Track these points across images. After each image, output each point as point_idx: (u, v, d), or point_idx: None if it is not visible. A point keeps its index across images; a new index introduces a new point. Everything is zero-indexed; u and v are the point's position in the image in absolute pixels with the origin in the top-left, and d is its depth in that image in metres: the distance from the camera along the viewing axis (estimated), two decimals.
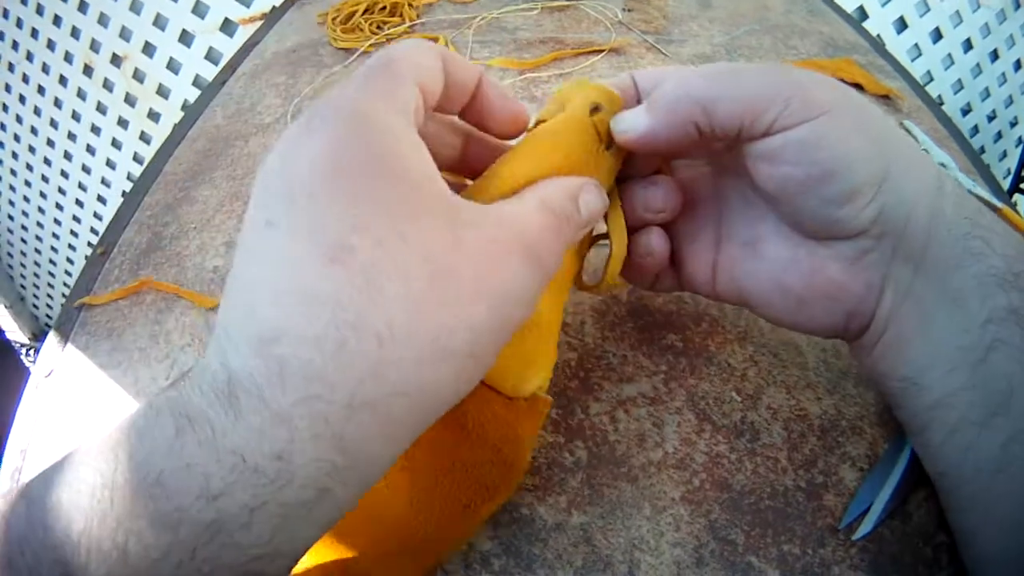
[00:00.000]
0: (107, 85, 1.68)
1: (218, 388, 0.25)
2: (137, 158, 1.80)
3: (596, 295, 0.49)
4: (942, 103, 1.64)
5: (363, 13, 1.06)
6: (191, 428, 0.25)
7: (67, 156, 1.92)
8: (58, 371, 0.57)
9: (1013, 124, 1.72)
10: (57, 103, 1.80)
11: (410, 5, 1.08)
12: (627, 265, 0.43)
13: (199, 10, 1.48)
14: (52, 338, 0.60)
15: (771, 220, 0.41)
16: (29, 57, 1.74)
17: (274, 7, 1.29)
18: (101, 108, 1.74)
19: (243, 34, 1.46)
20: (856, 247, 0.38)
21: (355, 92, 0.30)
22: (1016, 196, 1.64)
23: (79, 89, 1.73)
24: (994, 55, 1.60)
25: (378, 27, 1.04)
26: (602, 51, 0.92)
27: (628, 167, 0.42)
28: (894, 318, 0.38)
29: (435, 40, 0.97)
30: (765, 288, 0.42)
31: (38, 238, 2.26)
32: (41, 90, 1.80)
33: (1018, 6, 1.52)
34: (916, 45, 1.56)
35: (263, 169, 0.29)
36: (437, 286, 0.27)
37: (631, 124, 0.39)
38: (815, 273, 0.39)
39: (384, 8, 1.07)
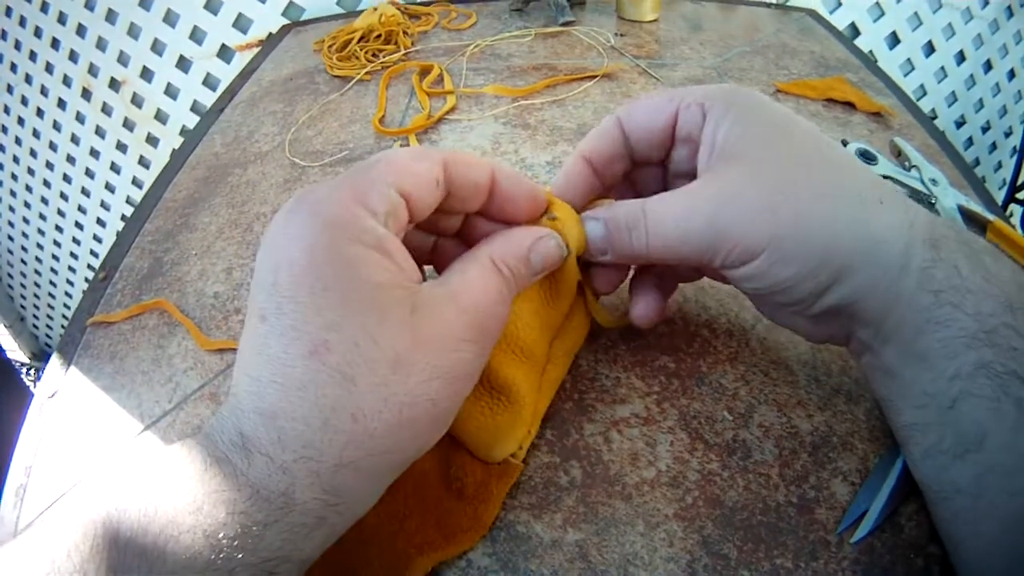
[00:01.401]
0: (106, 109, 1.69)
1: (235, 443, 0.32)
2: (136, 182, 1.80)
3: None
4: (936, 116, 1.65)
5: (358, 41, 1.07)
6: (218, 465, 0.31)
7: (66, 179, 1.92)
8: (62, 392, 0.57)
9: (1007, 134, 1.73)
10: (56, 126, 1.81)
11: (405, 33, 1.09)
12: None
13: (196, 36, 1.49)
14: (55, 360, 0.61)
15: None
16: (28, 79, 1.75)
17: (270, 34, 1.30)
18: (100, 132, 1.74)
19: (240, 60, 1.47)
20: (814, 318, 0.41)
21: (333, 193, 0.35)
22: (1012, 207, 1.64)
23: (78, 112, 1.73)
24: (987, 66, 1.61)
25: (373, 55, 1.05)
26: (595, 77, 0.93)
27: None
28: (861, 358, 0.41)
29: (430, 68, 0.98)
30: (759, 306, 0.46)
31: (38, 259, 2.26)
32: (40, 113, 1.81)
33: (1011, 15, 1.53)
34: (909, 60, 1.57)
35: (257, 260, 0.35)
36: (400, 373, 0.33)
37: (594, 249, 0.44)
38: (791, 319, 0.44)
39: (379, 36, 1.08)
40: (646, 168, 0.48)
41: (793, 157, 0.40)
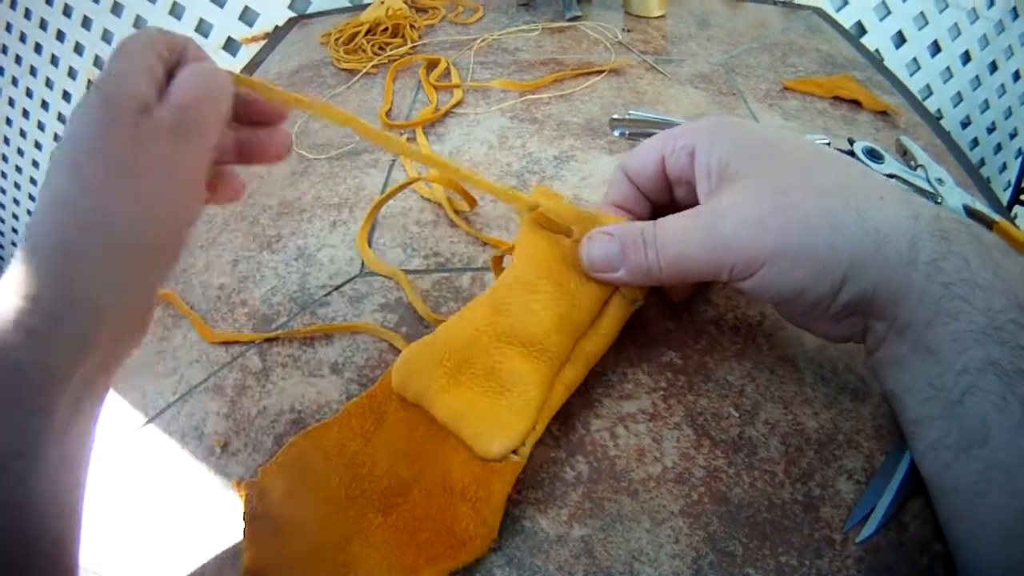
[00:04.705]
0: None
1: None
2: None
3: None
4: (941, 116, 1.65)
5: (365, 34, 1.07)
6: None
7: None
8: None
9: (1013, 136, 1.72)
10: (60, 118, 1.81)
11: (412, 26, 1.09)
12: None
13: (202, 29, 1.49)
14: None
15: None
16: (32, 72, 1.75)
17: (277, 27, 1.30)
18: None
19: (246, 53, 1.47)
20: (833, 317, 0.41)
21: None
22: (1016, 208, 1.64)
23: None
24: (993, 66, 1.61)
25: (380, 48, 1.05)
26: (602, 71, 0.93)
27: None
28: (875, 352, 0.41)
29: (437, 62, 0.98)
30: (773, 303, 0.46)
31: None
32: (45, 105, 1.81)
33: (1016, 16, 1.53)
34: (915, 59, 1.57)
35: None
36: None
37: (604, 268, 0.45)
38: (813, 322, 0.43)
39: (386, 29, 1.08)
40: (670, 203, 0.49)
41: (787, 164, 0.41)
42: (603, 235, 0.45)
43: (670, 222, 0.43)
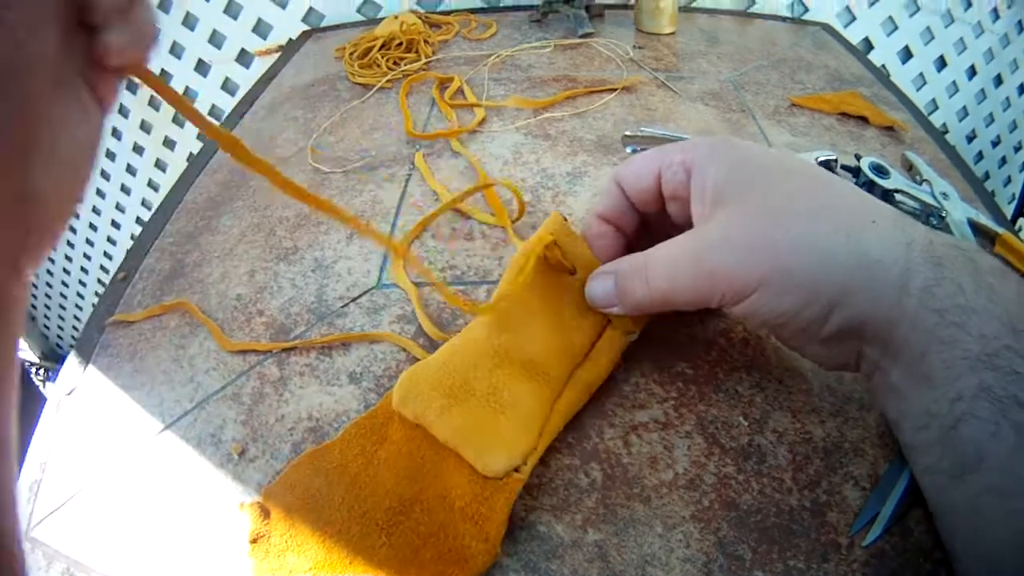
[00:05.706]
0: (122, 111, 1.69)
1: None
2: (152, 184, 1.80)
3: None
4: (947, 131, 1.65)
5: (380, 49, 1.08)
6: None
7: None
8: (80, 390, 0.58)
9: (1017, 149, 1.72)
10: None
11: (426, 42, 1.10)
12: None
13: (216, 40, 1.50)
14: (73, 358, 0.61)
15: None
16: None
17: (290, 39, 1.31)
18: (116, 134, 1.74)
19: (259, 64, 1.47)
20: (824, 342, 0.41)
21: None
22: (1021, 221, 1.64)
23: None
24: (998, 80, 1.61)
25: (395, 63, 1.06)
26: (614, 89, 0.94)
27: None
28: (871, 378, 0.42)
29: (449, 80, 0.98)
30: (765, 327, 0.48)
31: (51, 259, 2.25)
32: None
33: (1021, 30, 1.53)
34: (921, 74, 1.57)
35: None
36: None
37: (605, 304, 0.48)
38: (805, 346, 0.44)
39: (401, 44, 1.08)
40: (660, 214, 0.50)
41: (777, 189, 0.42)
42: (602, 275, 0.48)
43: (659, 254, 0.44)
